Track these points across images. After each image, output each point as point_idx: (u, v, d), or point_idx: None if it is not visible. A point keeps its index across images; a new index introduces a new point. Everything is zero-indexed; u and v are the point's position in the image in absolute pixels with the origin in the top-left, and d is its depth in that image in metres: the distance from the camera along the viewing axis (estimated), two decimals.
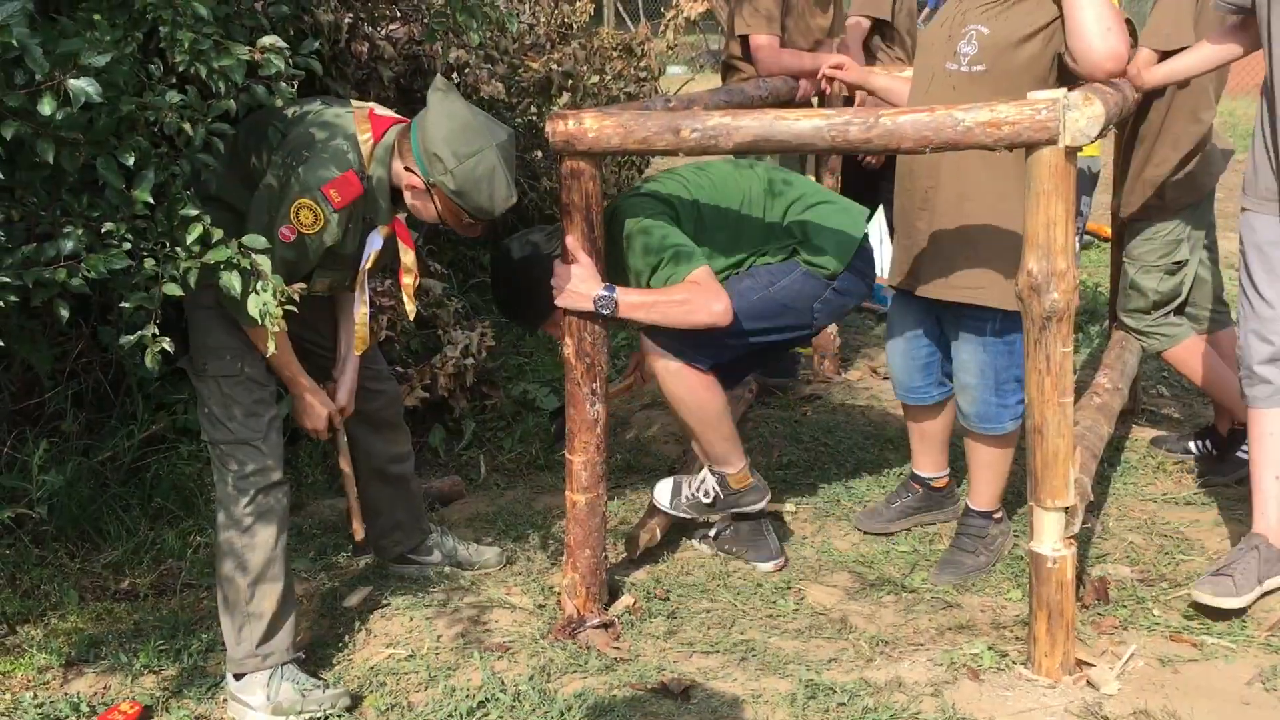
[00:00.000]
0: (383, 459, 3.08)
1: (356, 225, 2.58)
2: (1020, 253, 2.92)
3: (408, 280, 2.65)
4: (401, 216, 2.64)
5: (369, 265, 2.61)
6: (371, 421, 3.02)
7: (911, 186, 3.08)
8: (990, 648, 2.77)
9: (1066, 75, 2.85)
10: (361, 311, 2.66)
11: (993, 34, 2.88)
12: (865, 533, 3.41)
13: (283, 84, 2.17)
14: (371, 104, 2.65)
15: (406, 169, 2.54)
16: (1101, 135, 2.50)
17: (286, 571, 2.66)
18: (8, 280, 1.98)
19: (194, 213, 2.16)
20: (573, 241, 2.78)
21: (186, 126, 2.08)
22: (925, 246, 3.05)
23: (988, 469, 3.18)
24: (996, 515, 3.22)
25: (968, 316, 3.03)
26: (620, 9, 14.40)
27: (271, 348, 2.30)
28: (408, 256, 2.63)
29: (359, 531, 2.98)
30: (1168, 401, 4.47)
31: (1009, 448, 3.16)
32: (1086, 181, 4.21)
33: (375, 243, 2.61)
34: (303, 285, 2.33)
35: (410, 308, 2.66)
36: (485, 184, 2.50)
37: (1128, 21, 2.76)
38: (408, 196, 2.58)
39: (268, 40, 2.10)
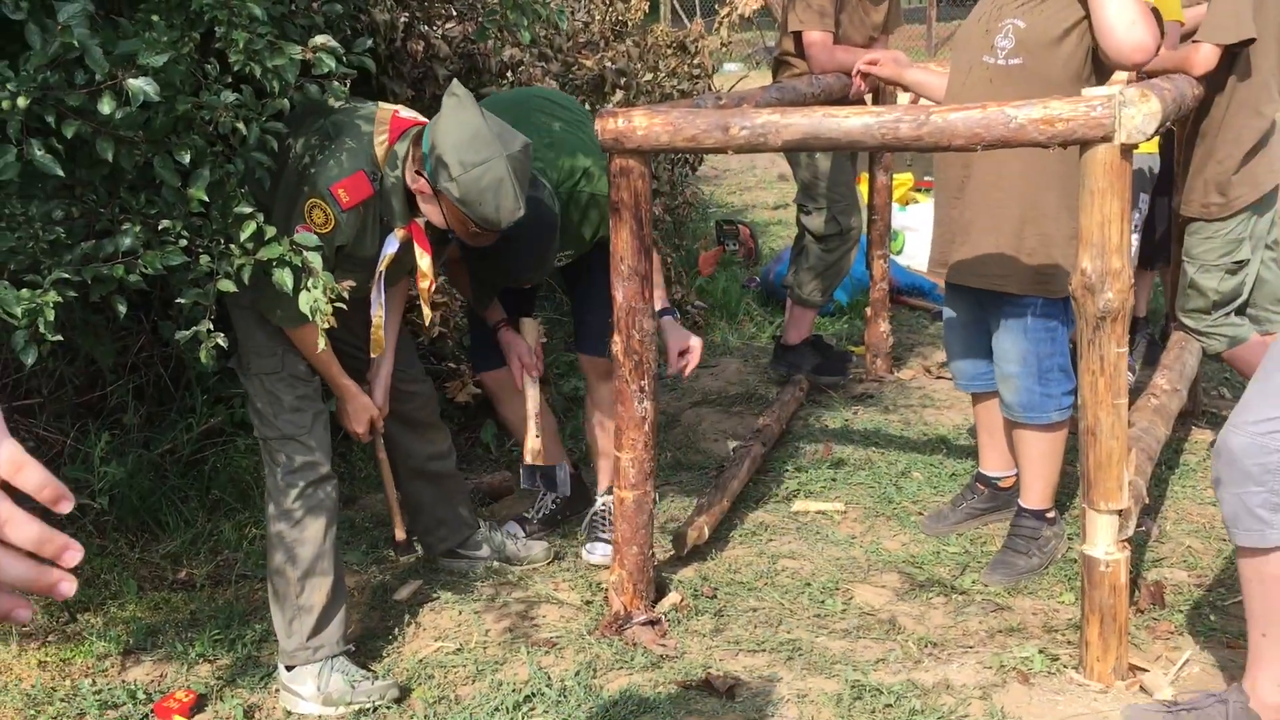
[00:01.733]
0: (422, 457, 3.11)
1: (374, 227, 2.58)
2: (1056, 241, 2.91)
3: (423, 285, 2.65)
4: (421, 221, 2.64)
5: (384, 267, 2.60)
6: (408, 422, 3.04)
7: (946, 176, 3.10)
8: (1041, 651, 2.74)
9: (1102, 68, 2.85)
10: (377, 314, 2.65)
11: (1029, 28, 2.87)
12: (931, 536, 3.38)
13: (335, 83, 2.20)
14: (398, 106, 2.65)
15: (417, 173, 2.54)
16: (1159, 132, 2.46)
17: (337, 565, 2.70)
18: (68, 276, 2.03)
19: (248, 210, 2.20)
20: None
21: (240, 125, 2.12)
22: (959, 235, 3.06)
23: (1036, 463, 3.14)
24: (1050, 515, 3.18)
25: (1007, 304, 3.02)
26: (678, 6, 14.39)
27: (322, 343, 2.33)
28: (423, 261, 2.63)
29: (400, 532, 3.01)
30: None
31: (1058, 441, 3.13)
32: (1145, 181, 4.14)
33: (391, 245, 2.61)
34: (352, 282, 2.36)
35: (427, 312, 2.67)
36: (491, 194, 2.49)
37: (1154, 10, 2.72)
38: (420, 201, 2.58)
39: (320, 39, 2.13)
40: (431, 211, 2.58)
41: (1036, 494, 3.17)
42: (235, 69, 2.07)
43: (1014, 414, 3.10)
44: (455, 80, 2.61)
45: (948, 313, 3.30)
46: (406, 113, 2.62)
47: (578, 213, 3.08)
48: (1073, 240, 2.81)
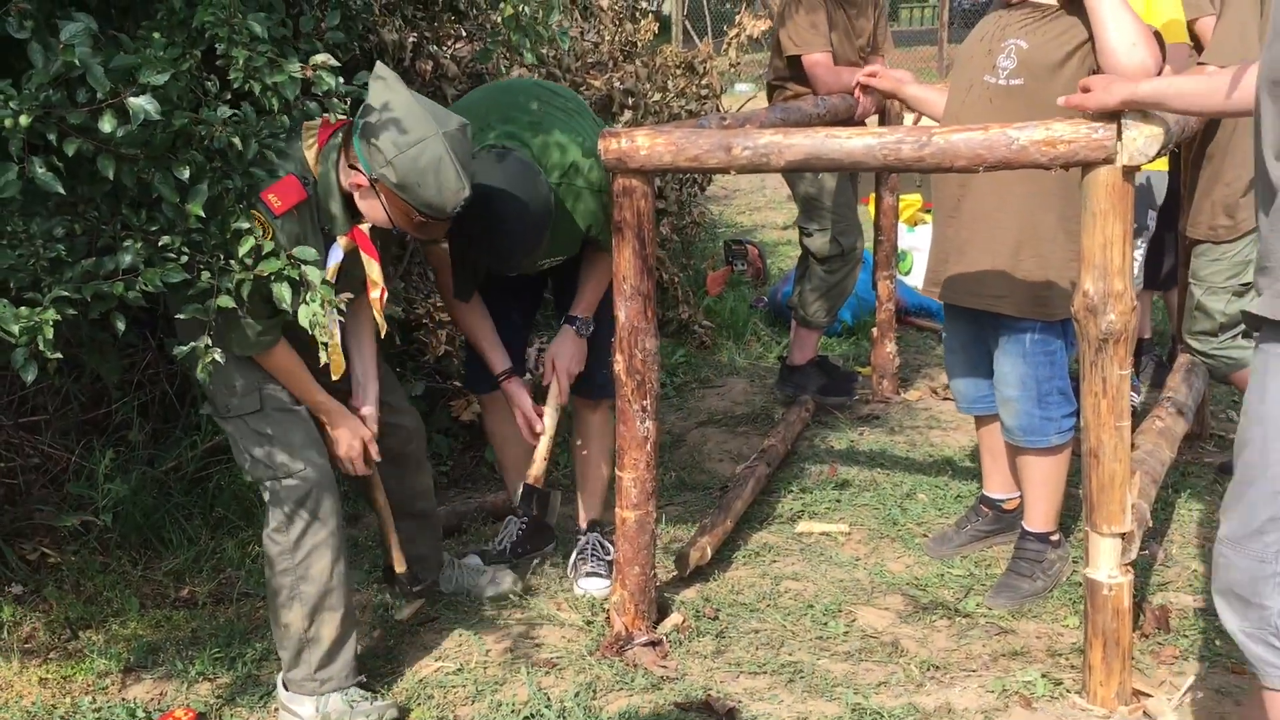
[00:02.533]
0: (409, 496, 2.97)
1: (315, 236, 2.43)
2: (1053, 263, 2.90)
3: (374, 294, 2.51)
4: (364, 226, 2.50)
5: (330, 279, 2.41)
6: (393, 458, 2.83)
7: (942, 195, 3.10)
8: (1044, 675, 2.72)
9: None
10: (334, 334, 2.45)
11: (1031, 49, 2.88)
12: (935, 558, 3.36)
13: (335, 100, 2.21)
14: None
15: (351, 167, 2.41)
16: (1161, 154, 2.46)
17: (346, 597, 2.61)
18: (68, 294, 2.04)
19: (246, 226, 2.21)
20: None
21: (237, 141, 2.13)
22: (953, 254, 3.06)
23: (1039, 486, 3.12)
24: (1054, 538, 3.16)
25: (1005, 328, 3.01)
26: (689, 27, 14.45)
27: (325, 357, 2.33)
28: (372, 269, 2.50)
29: (400, 564, 2.88)
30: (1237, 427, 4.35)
31: (1060, 464, 3.11)
32: (1151, 197, 4.12)
33: (335, 255, 2.47)
34: (350, 295, 2.36)
35: (381, 323, 2.57)
36: (431, 175, 2.35)
37: (1156, 34, 2.72)
38: (357, 199, 2.44)
39: (320, 58, 2.14)
40: (372, 209, 2.44)
41: (1040, 516, 3.15)
42: (235, 86, 2.08)
43: (1014, 438, 3.09)
44: (379, 62, 2.45)
45: (947, 335, 3.30)
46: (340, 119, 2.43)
47: (569, 201, 2.92)
48: (1070, 262, 2.81)
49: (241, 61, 2.01)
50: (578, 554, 3.30)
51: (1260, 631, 1.99)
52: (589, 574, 3.22)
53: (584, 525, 3.36)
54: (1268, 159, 1.97)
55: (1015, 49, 2.90)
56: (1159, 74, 2.66)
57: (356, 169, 2.41)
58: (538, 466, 3.14)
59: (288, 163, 2.36)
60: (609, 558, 3.22)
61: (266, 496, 2.58)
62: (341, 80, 2.17)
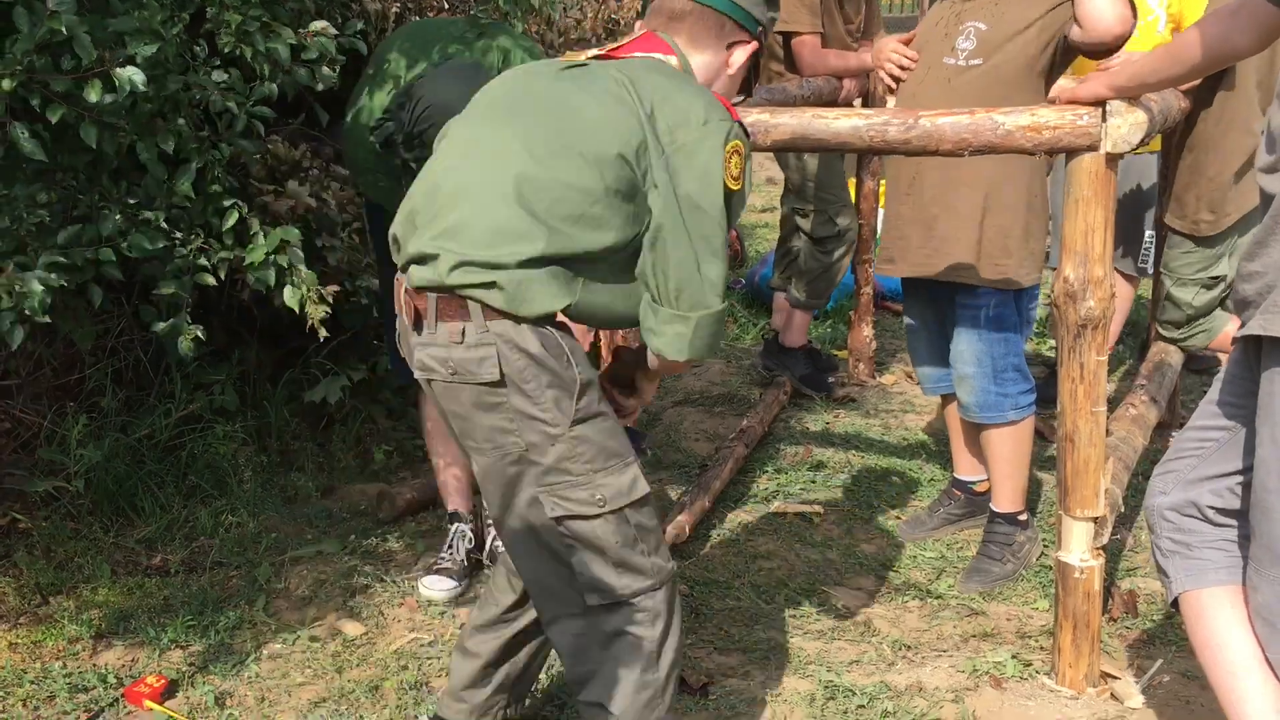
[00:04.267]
0: None
1: None
2: (1012, 233, 2.95)
3: None
4: None
5: None
6: None
7: (896, 173, 3.12)
8: (1014, 656, 2.75)
9: (1059, 67, 2.91)
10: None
11: (991, 29, 2.92)
12: (908, 541, 3.39)
13: (325, 68, 2.19)
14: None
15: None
16: (1145, 143, 2.47)
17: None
18: (59, 260, 2.02)
19: (230, 202, 2.19)
20: None
21: (233, 105, 2.11)
22: (911, 228, 3.08)
23: (1002, 463, 3.15)
24: (1022, 518, 3.19)
25: (961, 304, 3.05)
26: None
27: (324, 331, 2.32)
28: None
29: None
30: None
31: (1021, 440, 3.14)
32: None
33: None
34: (336, 286, 2.35)
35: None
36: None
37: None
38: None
39: (318, 25, 2.12)
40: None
41: (1006, 496, 3.18)
42: (224, 51, 2.06)
43: (972, 414, 3.12)
44: None
45: (908, 317, 3.31)
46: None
47: None
48: (1032, 233, 2.93)
49: (234, 26, 1.99)
50: (494, 540, 3.16)
51: None
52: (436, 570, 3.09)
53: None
54: None
55: (974, 30, 2.94)
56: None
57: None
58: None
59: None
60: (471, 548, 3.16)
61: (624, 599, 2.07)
62: (336, 44, 2.15)
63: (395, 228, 2.01)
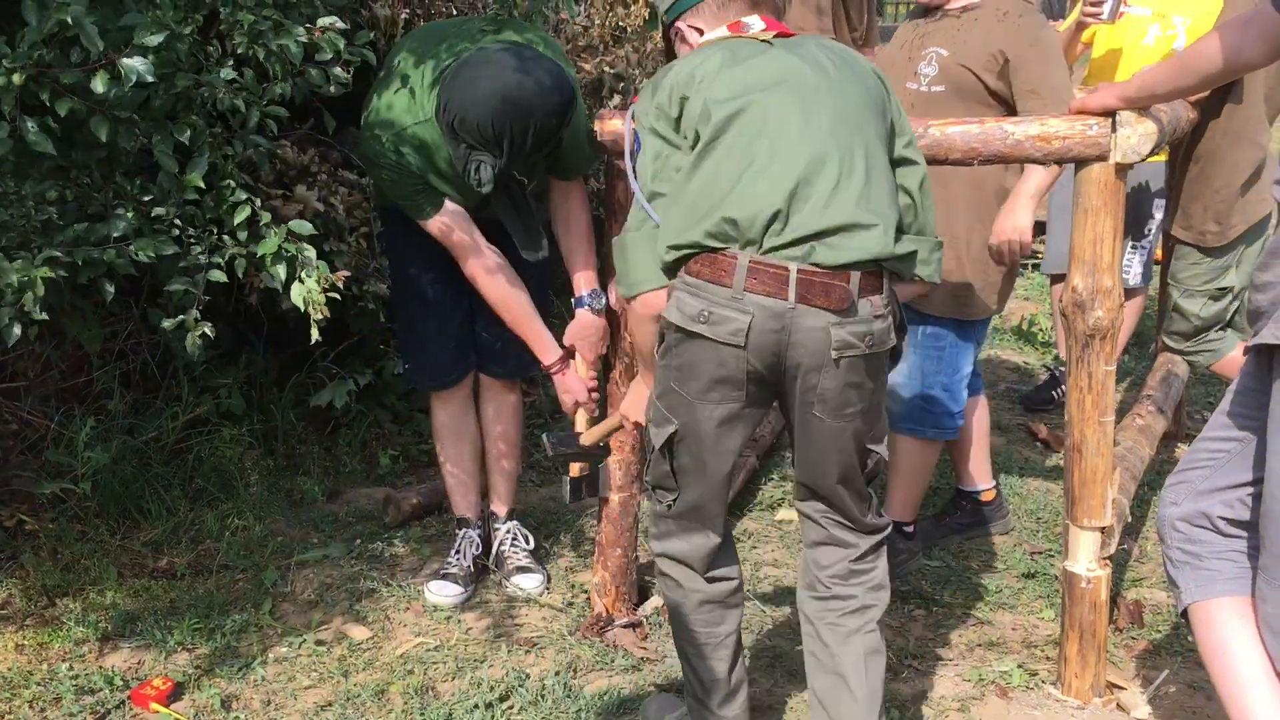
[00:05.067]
0: None
1: None
2: (966, 263, 2.97)
3: None
4: None
5: None
6: None
7: None
8: (1020, 666, 2.75)
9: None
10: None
11: (952, 55, 2.93)
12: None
13: (338, 69, 2.20)
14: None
15: None
16: (1154, 153, 2.48)
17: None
18: (59, 255, 2.02)
19: (243, 197, 2.20)
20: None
21: (240, 104, 2.11)
22: None
23: (903, 475, 3.18)
24: (908, 529, 3.20)
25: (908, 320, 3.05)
26: None
27: (316, 334, 2.33)
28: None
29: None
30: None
31: (927, 458, 3.17)
32: (1149, 193, 4.14)
33: None
34: (346, 272, 2.35)
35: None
36: None
37: None
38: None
39: (325, 21, 2.12)
40: None
41: (897, 504, 3.19)
42: (238, 51, 2.06)
43: (893, 421, 3.11)
44: None
45: None
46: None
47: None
48: (980, 261, 2.95)
49: (246, 25, 1.99)
50: (499, 546, 3.21)
51: None
52: (520, 569, 3.14)
53: (503, 515, 3.25)
54: None
55: (936, 56, 2.96)
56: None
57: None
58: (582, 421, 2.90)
59: None
60: (531, 547, 3.21)
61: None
62: (346, 44, 2.15)
63: (770, 206, 1.94)
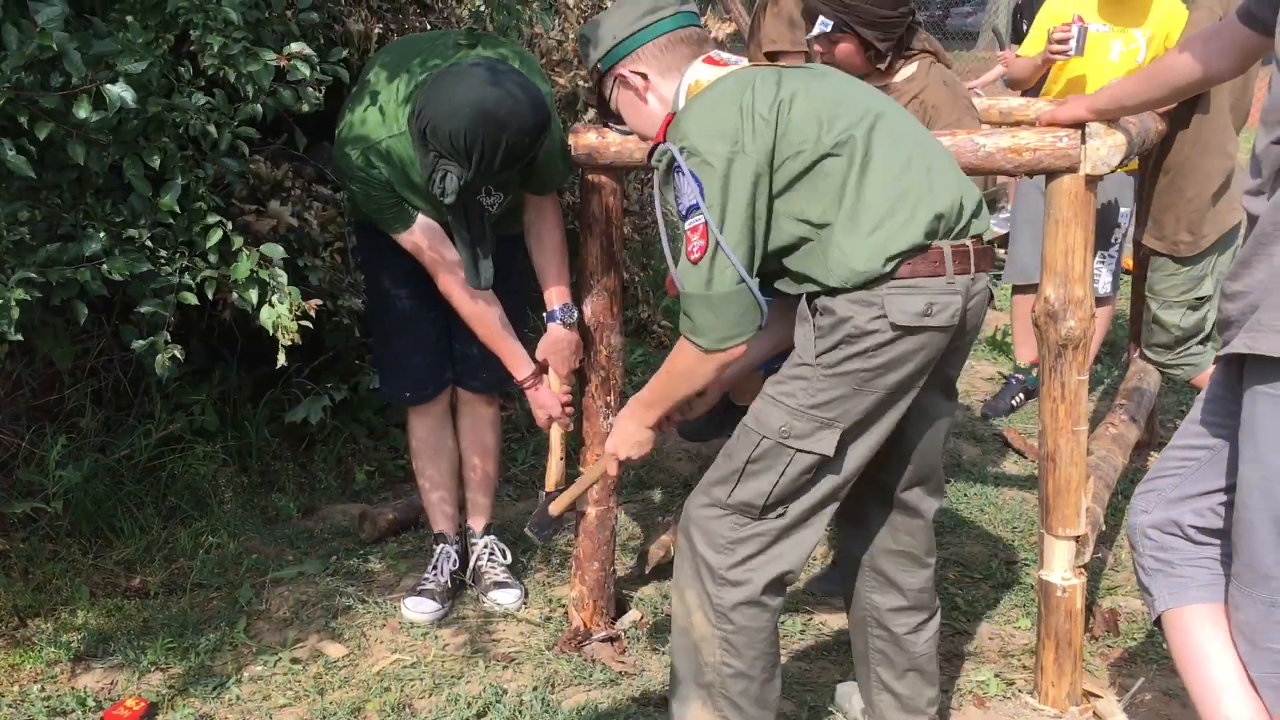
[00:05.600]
0: None
1: None
2: None
3: None
4: None
5: None
6: None
7: None
8: (997, 675, 2.76)
9: None
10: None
11: None
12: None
13: (309, 89, 2.19)
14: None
15: None
16: (1123, 164, 2.50)
17: None
18: (33, 276, 2.01)
19: (215, 219, 2.19)
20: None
21: (212, 129, 2.11)
22: None
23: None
24: None
25: None
26: None
27: (283, 359, 2.31)
28: None
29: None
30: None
31: None
32: (1116, 207, 4.19)
33: None
34: (318, 301, 2.34)
35: None
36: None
37: None
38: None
39: (295, 47, 2.13)
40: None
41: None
42: (209, 73, 2.06)
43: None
44: None
45: None
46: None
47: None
48: None
49: (216, 48, 1.99)
50: (476, 561, 3.18)
51: (1273, 676, 1.98)
52: (497, 584, 3.12)
53: (480, 529, 3.23)
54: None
55: None
56: None
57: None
58: (556, 482, 2.87)
59: None
60: (508, 562, 3.20)
61: None
62: (319, 63, 2.15)
63: (954, 196, 2.10)
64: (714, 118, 2.04)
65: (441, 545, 3.18)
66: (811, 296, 2.09)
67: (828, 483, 2.15)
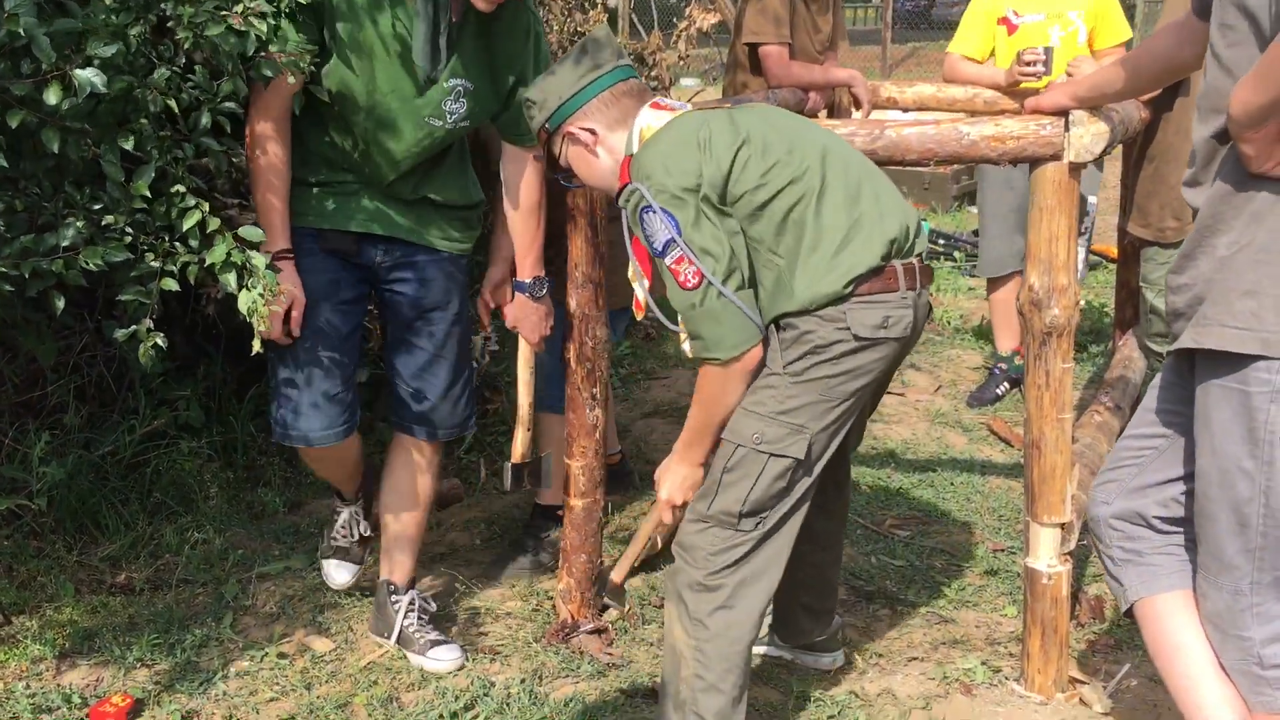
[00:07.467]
0: None
1: None
2: None
3: None
4: None
5: None
6: None
7: None
8: (984, 663, 2.76)
9: None
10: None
11: None
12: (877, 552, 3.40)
13: (294, 58, 2.16)
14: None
15: None
16: (1106, 152, 2.51)
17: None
18: (5, 270, 1.99)
19: (192, 203, 2.17)
20: None
21: (172, 103, 2.07)
22: None
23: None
24: (561, 514, 3.03)
25: None
26: (636, 20, 14.44)
27: (257, 346, 2.28)
28: None
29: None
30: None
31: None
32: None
33: None
34: (289, 286, 2.31)
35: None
36: None
37: None
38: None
39: (251, 4, 2.05)
40: None
41: (555, 492, 3.13)
42: (185, 47, 2.03)
43: (552, 402, 3.13)
44: None
45: None
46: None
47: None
48: None
49: (186, 19, 1.96)
50: (403, 625, 2.82)
51: (1243, 663, 1.99)
52: (434, 643, 2.79)
53: (402, 583, 2.88)
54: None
55: None
56: None
57: None
58: (521, 441, 2.93)
59: None
60: (434, 609, 2.90)
61: None
62: (298, 36, 2.12)
63: (904, 219, 2.23)
64: (675, 155, 2.14)
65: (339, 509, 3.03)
66: (778, 318, 2.18)
67: (800, 486, 2.23)
